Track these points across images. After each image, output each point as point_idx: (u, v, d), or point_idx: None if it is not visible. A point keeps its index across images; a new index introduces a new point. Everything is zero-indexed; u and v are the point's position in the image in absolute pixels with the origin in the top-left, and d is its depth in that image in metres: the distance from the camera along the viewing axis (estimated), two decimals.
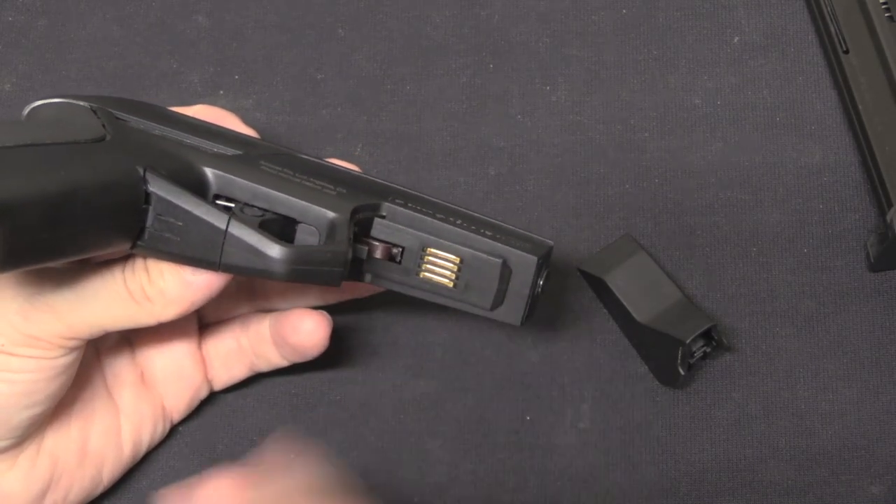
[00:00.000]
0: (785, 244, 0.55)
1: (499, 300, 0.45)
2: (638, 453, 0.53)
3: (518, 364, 0.55)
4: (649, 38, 0.58)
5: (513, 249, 0.44)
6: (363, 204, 0.44)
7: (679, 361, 0.51)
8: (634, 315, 0.52)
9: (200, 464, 0.54)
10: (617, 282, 0.53)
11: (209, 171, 0.43)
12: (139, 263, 0.43)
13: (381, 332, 0.55)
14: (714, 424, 0.53)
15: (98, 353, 0.50)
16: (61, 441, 0.48)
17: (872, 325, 0.54)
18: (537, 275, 0.45)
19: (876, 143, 0.54)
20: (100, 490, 0.50)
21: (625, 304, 0.52)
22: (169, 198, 0.41)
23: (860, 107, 0.54)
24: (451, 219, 0.45)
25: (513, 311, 0.45)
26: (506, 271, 0.44)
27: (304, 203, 0.43)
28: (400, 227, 0.44)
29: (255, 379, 0.55)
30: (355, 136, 0.58)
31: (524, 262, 0.45)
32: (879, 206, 0.54)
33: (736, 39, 0.58)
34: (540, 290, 0.46)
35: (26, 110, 0.45)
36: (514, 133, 0.57)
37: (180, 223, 0.41)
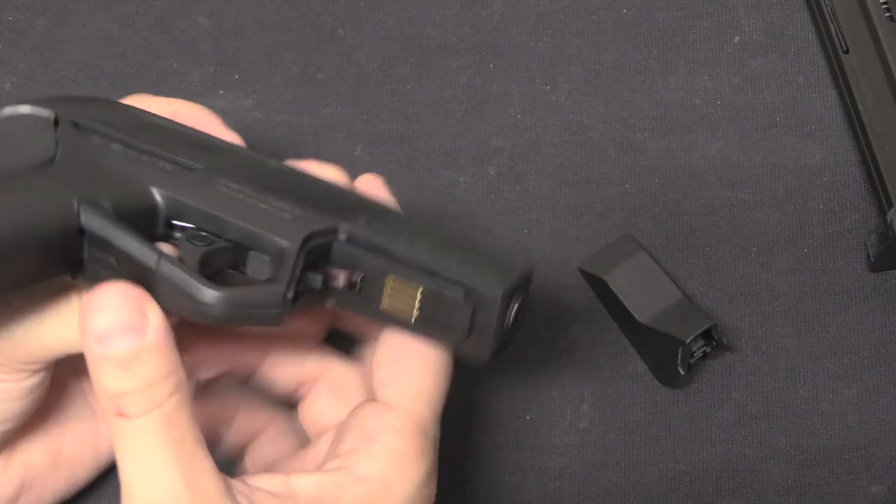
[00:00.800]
0: (785, 244, 0.55)
1: (461, 335, 0.41)
2: (638, 453, 0.53)
3: (518, 364, 0.54)
4: (649, 37, 0.58)
5: (478, 280, 0.41)
6: (318, 229, 0.41)
7: (679, 361, 0.51)
8: (634, 315, 0.52)
9: None
10: (617, 281, 0.53)
11: (159, 194, 0.42)
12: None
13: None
14: (714, 424, 0.53)
15: (73, 357, 0.49)
16: (34, 448, 0.46)
17: (872, 325, 0.54)
18: (505, 308, 0.41)
19: (876, 143, 0.54)
20: (75, 491, 0.49)
21: (625, 303, 0.52)
22: (100, 233, 0.39)
23: (860, 107, 0.54)
24: (417, 240, 0.42)
25: (480, 346, 0.42)
26: (468, 304, 0.41)
27: (254, 230, 0.41)
28: (359, 252, 0.41)
29: None
30: (355, 135, 0.58)
31: (489, 295, 0.41)
32: (879, 206, 0.54)
33: (736, 39, 0.58)
34: (511, 322, 0.42)
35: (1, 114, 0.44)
36: (514, 133, 0.57)
37: (113, 259, 0.40)
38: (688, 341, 0.51)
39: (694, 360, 0.52)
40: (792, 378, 0.54)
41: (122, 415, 0.38)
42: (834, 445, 0.53)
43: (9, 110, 0.43)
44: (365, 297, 0.42)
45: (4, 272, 0.37)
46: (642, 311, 0.52)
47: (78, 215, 0.39)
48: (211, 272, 0.40)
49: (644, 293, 0.53)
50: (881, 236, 0.53)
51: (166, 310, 0.40)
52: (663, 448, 0.53)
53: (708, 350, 0.52)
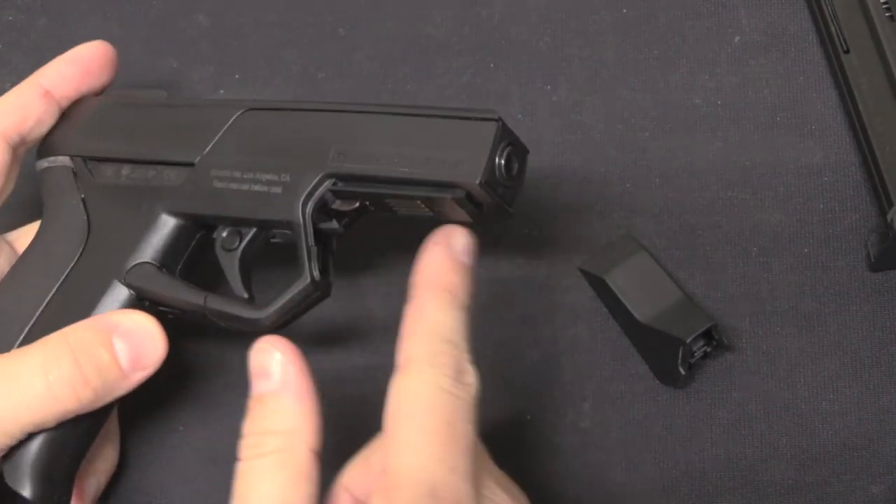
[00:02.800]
0: (785, 244, 0.55)
1: (474, 211, 0.43)
2: (638, 453, 0.53)
3: (518, 364, 0.54)
4: (650, 37, 0.58)
5: (458, 173, 0.42)
6: (308, 190, 0.44)
7: (679, 361, 0.51)
8: (635, 314, 0.52)
9: (200, 464, 0.54)
10: (617, 281, 0.53)
11: (177, 217, 0.47)
12: (64, 358, 0.44)
13: (382, 331, 0.55)
14: (714, 424, 0.53)
15: None
16: None
17: (872, 325, 0.54)
18: (492, 188, 0.42)
19: (876, 143, 0.54)
20: None
21: (625, 303, 0.52)
22: (149, 294, 0.47)
23: (860, 107, 0.54)
24: (391, 153, 0.43)
25: (496, 209, 0.43)
26: (461, 195, 0.42)
27: (259, 219, 0.46)
28: (352, 186, 0.44)
29: None
30: None
31: (471, 183, 0.42)
32: (880, 206, 0.54)
33: (736, 39, 0.58)
34: (504, 174, 0.42)
35: (38, 167, 0.51)
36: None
37: (166, 307, 0.47)
38: (688, 341, 0.51)
39: (694, 359, 0.52)
40: (792, 378, 0.54)
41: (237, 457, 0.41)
42: (834, 445, 0.53)
43: (38, 165, 0.51)
44: (380, 209, 0.46)
45: None
46: (642, 311, 0.52)
47: (126, 283, 0.47)
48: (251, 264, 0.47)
49: (644, 293, 0.53)
50: (881, 236, 0.53)
51: (230, 330, 0.46)
52: (664, 448, 0.53)
53: (708, 350, 0.52)
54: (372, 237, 0.56)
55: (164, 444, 0.55)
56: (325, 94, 0.59)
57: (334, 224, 0.45)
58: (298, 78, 0.59)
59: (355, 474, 0.44)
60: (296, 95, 0.59)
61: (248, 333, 0.44)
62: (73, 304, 0.47)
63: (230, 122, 0.47)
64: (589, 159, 0.57)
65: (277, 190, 0.45)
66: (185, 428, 0.55)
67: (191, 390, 0.55)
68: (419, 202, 0.44)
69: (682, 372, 0.51)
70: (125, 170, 0.49)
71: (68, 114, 0.51)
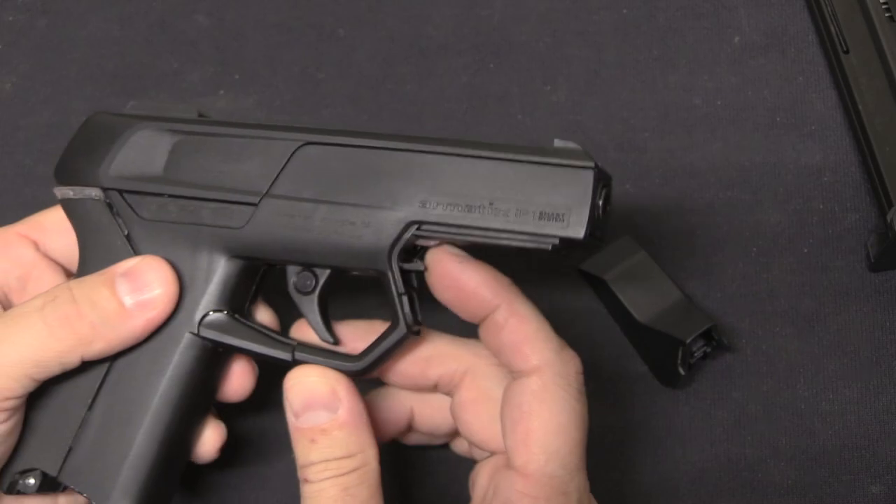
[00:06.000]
0: (785, 244, 0.55)
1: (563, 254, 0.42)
2: (638, 453, 0.53)
3: None
4: (650, 37, 0.58)
5: (558, 231, 0.40)
6: (394, 238, 0.42)
7: (679, 361, 0.51)
8: (635, 315, 0.52)
9: (201, 464, 0.54)
10: (617, 282, 0.53)
11: (239, 264, 0.45)
12: (63, 296, 0.43)
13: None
14: (714, 424, 0.53)
15: None
16: None
17: (872, 325, 0.54)
18: (593, 239, 0.41)
19: (876, 143, 0.54)
20: None
21: (625, 303, 0.52)
22: (228, 341, 0.44)
23: (860, 107, 0.54)
24: (486, 206, 0.41)
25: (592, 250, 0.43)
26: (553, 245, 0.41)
27: (342, 265, 0.43)
28: (441, 234, 0.42)
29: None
30: None
31: (575, 239, 0.40)
32: (880, 206, 0.54)
33: (736, 39, 0.58)
34: (601, 216, 0.41)
35: (60, 195, 0.46)
36: (515, 133, 0.57)
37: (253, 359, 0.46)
38: (688, 341, 0.51)
39: (694, 360, 0.52)
40: (792, 378, 0.54)
41: (305, 480, 0.42)
42: (834, 445, 0.53)
43: (60, 192, 0.46)
44: (463, 244, 0.43)
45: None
46: (642, 311, 0.52)
47: (201, 336, 0.44)
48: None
49: (644, 293, 0.53)
50: (881, 236, 0.53)
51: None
52: (663, 448, 0.53)
53: (708, 350, 0.52)
54: None
55: None
56: (325, 94, 0.59)
57: (418, 264, 0.43)
58: (298, 78, 0.59)
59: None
60: (296, 96, 0.59)
61: None
62: (142, 361, 0.44)
63: (290, 157, 0.43)
64: None
65: (359, 235, 0.42)
66: None
67: None
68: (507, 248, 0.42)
69: (682, 372, 0.51)
70: (173, 206, 0.44)
71: (87, 131, 0.46)
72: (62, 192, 0.46)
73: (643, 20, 0.59)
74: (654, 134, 0.57)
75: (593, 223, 0.40)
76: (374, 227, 0.42)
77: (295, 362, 0.44)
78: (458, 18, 0.59)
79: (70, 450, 0.44)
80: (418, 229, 0.41)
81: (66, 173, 0.45)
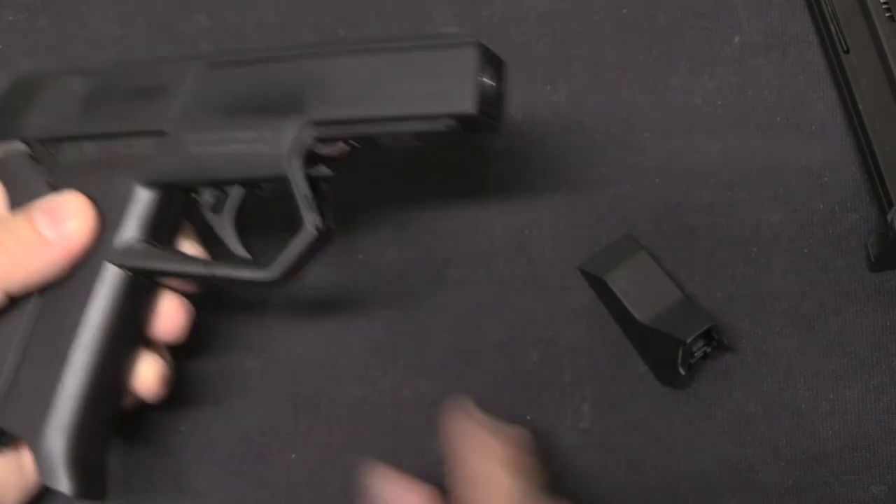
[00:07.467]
0: (785, 244, 0.55)
1: (462, 132, 0.43)
2: (638, 453, 0.53)
3: (518, 364, 0.55)
4: (650, 38, 0.58)
5: (444, 104, 0.41)
6: (292, 142, 0.43)
7: (679, 361, 0.51)
8: (635, 315, 0.52)
9: (201, 463, 0.54)
10: (617, 281, 0.53)
11: (152, 192, 0.46)
12: (35, 207, 0.45)
13: (382, 331, 0.55)
14: (714, 424, 0.53)
15: None
16: None
17: (872, 325, 0.54)
18: (483, 107, 0.42)
19: (876, 143, 0.54)
20: None
21: (625, 303, 0.52)
22: (143, 265, 0.46)
23: (860, 107, 0.54)
24: (373, 93, 0.42)
25: (489, 126, 0.43)
26: (452, 123, 0.42)
27: (249, 177, 0.45)
28: (335, 129, 0.43)
29: (255, 378, 0.55)
30: None
31: (461, 111, 0.41)
32: (880, 206, 0.54)
33: (736, 39, 0.58)
34: (491, 91, 0.42)
35: None
36: (515, 133, 0.57)
37: (170, 278, 0.47)
38: (688, 341, 0.51)
39: (694, 360, 0.52)
40: (792, 378, 0.54)
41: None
42: (834, 445, 0.53)
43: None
44: (367, 147, 0.44)
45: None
46: (642, 311, 0.52)
47: (118, 264, 0.45)
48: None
49: (644, 293, 0.53)
50: (881, 236, 0.53)
51: (240, 293, 0.46)
52: (664, 448, 0.53)
53: (708, 350, 0.52)
54: (372, 238, 0.56)
55: (166, 445, 0.55)
56: None
57: (323, 169, 0.44)
58: None
59: None
60: None
61: (254, 293, 0.45)
62: (65, 296, 0.46)
63: (191, 81, 0.45)
64: (589, 159, 0.57)
65: (261, 146, 0.44)
66: (187, 429, 0.55)
67: (192, 392, 0.55)
68: (411, 138, 0.43)
69: (682, 372, 0.51)
70: (89, 146, 0.47)
71: (11, 91, 0.49)
72: None
73: (643, 20, 0.59)
74: (654, 134, 0.57)
75: (484, 100, 0.41)
76: (274, 134, 0.44)
77: (210, 275, 0.45)
78: (458, 18, 0.59)
79: (6, 395, 0.45)
80: (316, 130, 0.43)
81: None
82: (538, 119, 0.58)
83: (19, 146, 0.48)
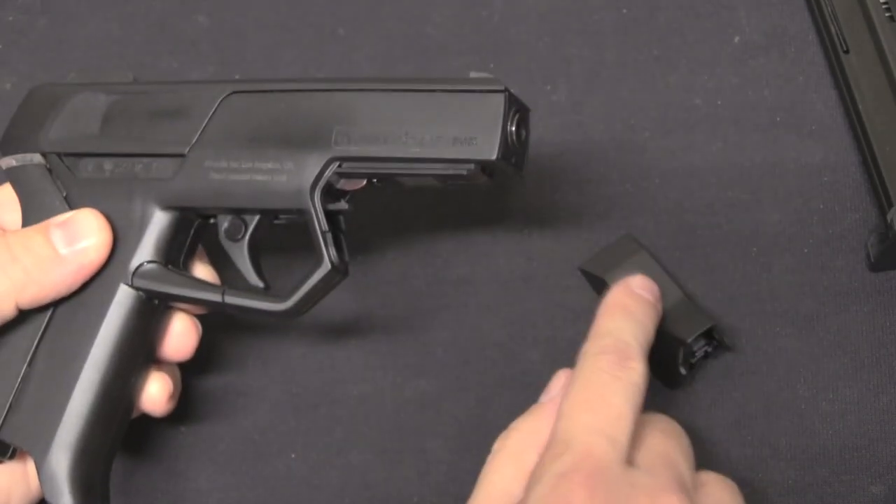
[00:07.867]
0: (785, 244, 0.55)
1: (485, 179, 0.44)
2: None
3: (518, 364, 0.55)
4: (650, 37, 0.58)
5: (470, 151, 0.42)
6: (315, 177, 0.44)
7: (680, 361, 0.51)
8: None
9: (202, 463, 0.54)
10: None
11: (171, 215, 0.46)
12: (51, 228, 0.45)
13: (382, 330, 0.55)
14: (714, 424, 0.53)
15: None
16: None
17: (872, 325, 0.54)
18: (507, 158, 0.43)
19: (876, 143, 0.54)
20: None
21: None
22: (160, 289, 0.46)
23: (860, 107, 0.54)
24: (399, 136, 0.43)
25: (508, 173, 0.44)
26: (475, 167, 0.43)
27: (266, 208, 0.45)
28: (358, 165, 0.44)
29: (255, 378, 0.55)
30: None
31: (487, 157, 0.42)
32: (880, 206, 0.54)
33: (736, 39, 0.58)
34: (515, 141, 0.43)
35: (4, 165, 0.49)
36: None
37: (182, 303, 0.47)
38: (689, 341, 0.51)
39: (695, 360, 0.52)
40: (792, 378, 0.54)
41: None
42: (834, 445, 0.53)
43: (4, 163, 0.48)
44: (388, 185, 0.45)
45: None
46: None
47: (135, 287, 0.46)
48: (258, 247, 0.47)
49: None
50: (881, 236, 0.53)
51: (253, 321, 0.47)
52: None
53: (709, 350, 0.52)
54: (372, 238, 0.56)
55: (166, 445, 0.55)
56: None
57: (342, 204, 0.45)
58: None
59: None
60: None
61: (266, 321, 0.45)
62: (78, 314, 0.46)
63: (216, 107, 0.46)
64: (589, 159, 0.57)
65: (282, 178, 0.44)
66: (187, 428, 0.55)
67: (192, 391, 0.55)
68: (432, 179, 0.44)
69: (683, 372, 0.51)
70: (108, 164, 0.47)
71: (29, 103, 0.49)
72: (6, 162, 0.48)
73: (643, 20, 0.59)
74: (654, 134, 0.57)
75: (506, 146, 0.42)
76: (297, 167, 0.44)
77: (225, 304, 0.45)
78: (458, 18, 0.59)
79: (10, 407, 0.45)
80: (339, 166, 0.43)
81: (11, 144, 0.48)
82: (538, 119, 0.57)
83: (37, 159, 0.48)
